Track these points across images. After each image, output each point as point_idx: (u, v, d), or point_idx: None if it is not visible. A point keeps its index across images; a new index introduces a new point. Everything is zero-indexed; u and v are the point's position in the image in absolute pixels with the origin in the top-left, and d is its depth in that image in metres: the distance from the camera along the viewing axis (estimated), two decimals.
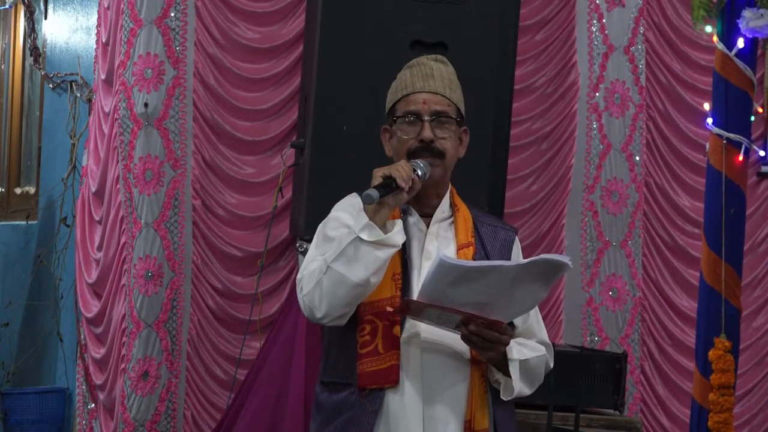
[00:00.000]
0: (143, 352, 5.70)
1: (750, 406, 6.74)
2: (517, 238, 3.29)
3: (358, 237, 2.96)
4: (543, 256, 2.98)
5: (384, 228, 2.99)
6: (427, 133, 3.11)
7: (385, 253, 2.99)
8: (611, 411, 5.20)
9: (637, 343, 6.45)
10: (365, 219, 2.98)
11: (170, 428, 5.77)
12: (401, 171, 3.00)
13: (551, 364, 3.24)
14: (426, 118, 3.12)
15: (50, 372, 7.25)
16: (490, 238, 3.22)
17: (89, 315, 6.12)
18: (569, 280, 6.37)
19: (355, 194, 3.20)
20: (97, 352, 6.05)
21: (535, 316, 3.21)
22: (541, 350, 3.18)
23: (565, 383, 4.79)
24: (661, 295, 6.57)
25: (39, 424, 6.93)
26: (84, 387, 6.27)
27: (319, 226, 3.18)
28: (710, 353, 5.33)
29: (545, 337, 3.23)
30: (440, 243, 3.15)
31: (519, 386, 3.10)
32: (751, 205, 6.48)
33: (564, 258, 2.97)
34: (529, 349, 3.14)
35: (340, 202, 3.21)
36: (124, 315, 5.73)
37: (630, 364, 6.27)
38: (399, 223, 3.04)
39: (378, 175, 3.00)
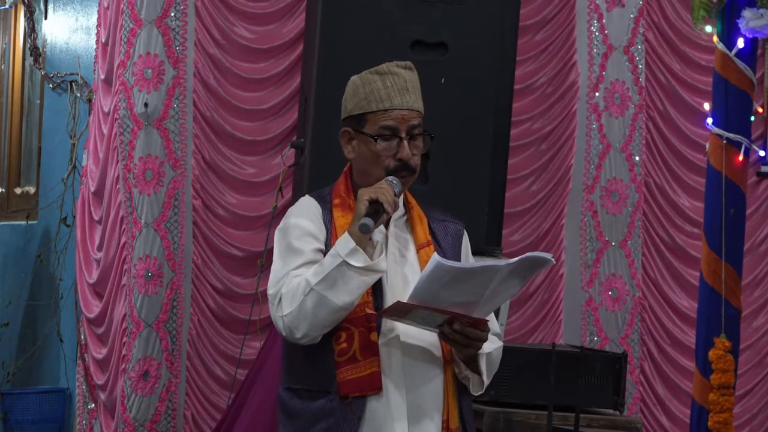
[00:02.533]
0: (143, 352, 5.70)
1: (750, 406, 6.74)
2: (464, 231, 3.30)
3: (345, 261, 2.97)
4: (529, 254, 3.00)
5: (366, 251, 3.00)
6: (406, 153, 3.11)
7: (372, 278, 3.00)
8: (611, 411, 5.20)
9: (637, 343, 6.45)
10: (352, 243, 2.97)
11: (170, 428, 5.77)
12: (387, 195, 3.01)
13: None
14: (404, 135, 3.12)
15: (50, 372, 7.25)
16: (442, 234, 3.23)
17: (90, 315, 6.12)
18: (569, 280, 6.37)
19: (308, 197, 3.20)
20: (98, 352, 6.05)
21: None
22: (498, 342, 3.21)
23: (565, 383, 4.79)
24: (660, 295, 6.57)
25: (39, 424, 6.93)
26: (84, 387, 6.27)
27: (277, 234, 3.15)
28: (710, 353, 5.34)
29: (497, 327, 3.25)
30: (401, 243, 3.16)
31: (486, 380, 3.14)
32: (751, 205, 6.48)
33: (547, 255, 3.01)
34: (488, 341, 3.15)
35: (294, 207, 3.19)
36: (125, 315, 5.73)
37: (630, 364, 6.27)
38: (380, 245, 3.05)
39: (365, 199, 3.00)
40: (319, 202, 3.17)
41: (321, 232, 3.11)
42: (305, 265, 3.05)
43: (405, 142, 3.11)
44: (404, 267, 3.13)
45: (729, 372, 5.30)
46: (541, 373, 4.76)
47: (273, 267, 3.12)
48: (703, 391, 5.37)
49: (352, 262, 2.96)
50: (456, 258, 3.18)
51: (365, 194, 3.01)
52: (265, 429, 5.36)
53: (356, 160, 3.18)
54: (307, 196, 3.21)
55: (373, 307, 3.05)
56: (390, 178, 3.09)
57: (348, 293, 2.97)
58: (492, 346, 3.16)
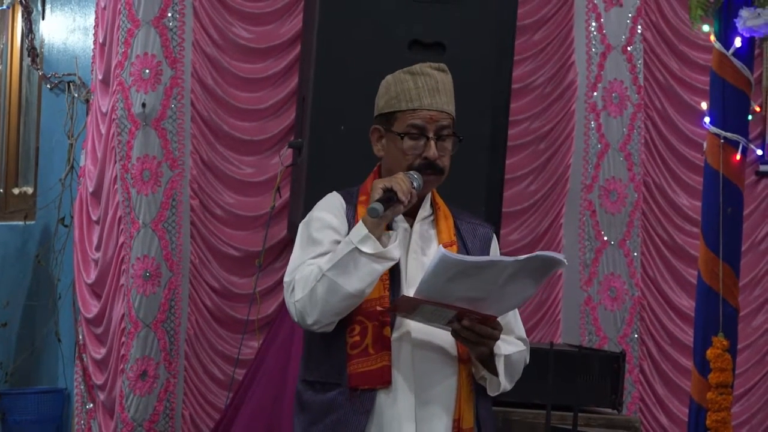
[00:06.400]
0: (141, 352, 5.70)
1: (749, 406, 6.74)
2: (494, 235, 3.31)
3: (357, 248, 2.98)
4: (539, 252, 2.99)
5: (380, 240, 3.01)
6: (433, 153, 3.12)
7: (383, 266, 3.01)
8: (609, 410, 5.20)
9: (636, 342, 6.45)
10: (364, 230, 3.00)
11: (168, 428, 5.77)
12: (402, 185, 3.03)
13: (527, 360, 3.26)
14: (431, 135, 3.13)
15: (48, 372, 7.25)
16: (470, 235, 3.24)
17: (89, 315, 6.12)
18: (567, 279, 6.37)
19: (335, 193, 3.22)
20: (97, 352, 6.05)
21: (513, 313, 3.23)
22: (521, 346, 3.21)
23: (564, 382, 4.79)
24: (659, 294, 6.57)
25: (37, 424, 6.93)
26: (82, 387, 6.27)
27: (301, 226, 3.18)
28: (708, 352, 5.34)
29: (523, 333, 3.26)
30: (423, 242, 3.17)
31: (504, 382, 3.13)
32: (749, 205, 6.48)
33: (559, 255, 3.00)
34: (510, 344, 3.16)
35: (321, 201, 3.22)
36: (123, 315, 5.73)
37: (629, 363, 6.27)
38: (394, 234, 3.07)
39: (379, 187, 3.02)
40: (344, 198, 3.20)
41: (342, 226, 3.13)
42: (322, 255, 3.07)
43: (432, 142, 3.13)
44: (424, 264, 3.12)
45: (727, 371, 5.30)
46: (539, 373, 4.75)
47: (292, 256, 3.15)
48: (701, 390, 5.37)
49: (364, 249, 2.98)
50: None
51: (380, 183, 3.04)
52: (264, 428, 5.36)
53: (384, 158, 3.21)
54: (334, 192, 3.24)
55: (389, 302, 3.05)
56: (411, 171, 3.11)
57: (359, 280, 2.98)
58: (513, 349, 3.16)
